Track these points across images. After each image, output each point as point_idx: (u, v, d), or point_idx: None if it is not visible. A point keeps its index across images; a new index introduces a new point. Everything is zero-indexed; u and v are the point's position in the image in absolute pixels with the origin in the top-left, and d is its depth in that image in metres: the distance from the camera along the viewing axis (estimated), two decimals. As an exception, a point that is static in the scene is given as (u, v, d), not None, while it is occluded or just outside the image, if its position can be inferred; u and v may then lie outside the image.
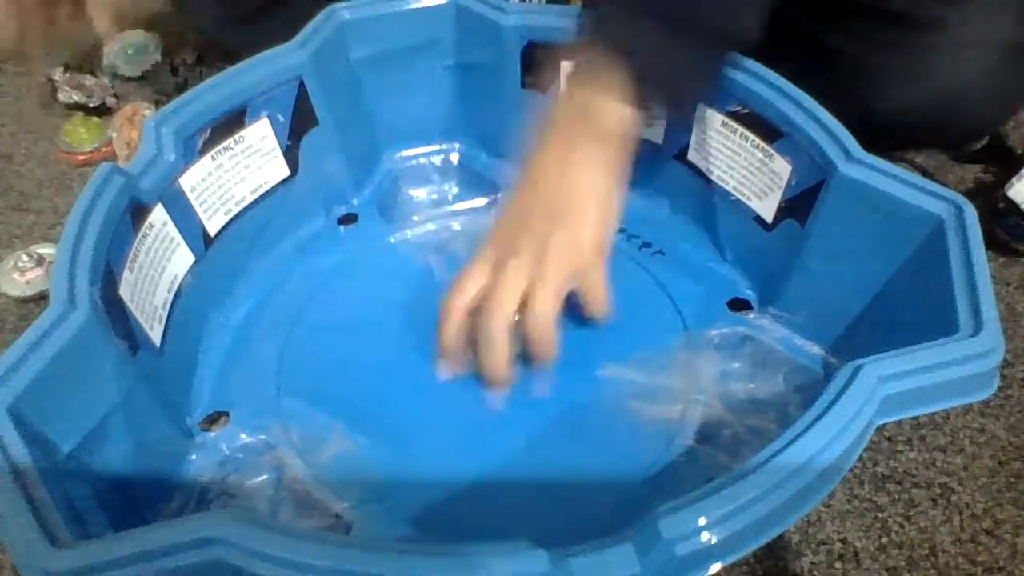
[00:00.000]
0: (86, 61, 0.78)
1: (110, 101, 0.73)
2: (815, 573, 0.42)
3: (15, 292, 0.57)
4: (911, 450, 0.47)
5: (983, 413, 0.49)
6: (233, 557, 0.26)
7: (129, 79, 0.77)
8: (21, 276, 0.57)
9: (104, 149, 0.69)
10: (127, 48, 0.76)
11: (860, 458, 0.46)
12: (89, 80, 0.74)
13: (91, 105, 0.72)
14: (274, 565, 0.26)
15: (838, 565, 0.43)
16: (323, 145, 0.53)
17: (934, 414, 0.49)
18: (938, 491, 0.46)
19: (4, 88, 0.79)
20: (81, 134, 0.69)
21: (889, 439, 0.48)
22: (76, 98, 0.73)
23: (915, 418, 0.49)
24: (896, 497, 0.45)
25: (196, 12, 0.74)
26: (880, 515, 0.45)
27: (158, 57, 0.77)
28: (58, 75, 0.74)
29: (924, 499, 0.45)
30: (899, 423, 0.48)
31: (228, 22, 0.71)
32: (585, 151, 0.44)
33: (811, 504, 0.29)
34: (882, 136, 0.42)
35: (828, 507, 0.45)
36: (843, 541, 0.43)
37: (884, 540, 0.44)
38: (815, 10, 0.56)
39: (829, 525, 0.44)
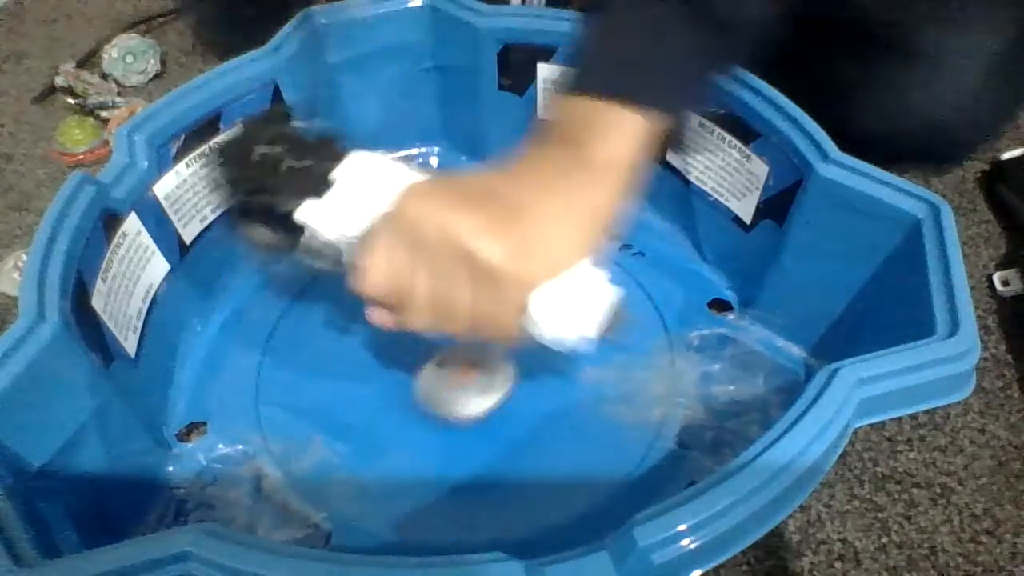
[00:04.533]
0: (87, 60, 0.77)
1: (110, 101, 0.72)
2: (815, 573, 0.42)
3: (15, 292, 0.56)
4: (911, 450, 0.47)
5: (983, 413, 0.49)
6: (207, 574, 0.26)
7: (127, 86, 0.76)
8: (21, 276, 0.56)
9: (100, 151, 0.68)
10: (126, 55, 0.75)
11: (860, 458, 0.47)
12: (89, 80, 0.73)
13: (90, 105, 0.71)
14: (247, 581, 0.26)
15: (838, 565, 0.42)
16: (300, 150, 0.53)
17: (934, 414, 0.49)
18: (938, 491, 0.46)
19: (4, 88, 0.78)
20: (76, 135, 0.68)
21: (889, 439, 0.48)
22: (75, 98, 0.72)
23: (915, 418, 0.49)
24: (896, 497, 0.45)
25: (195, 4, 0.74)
26: (880, 515, 0.44)
27: (157, 66, 0.76)
28: (59, 75, 0.73)
29: (924, 499, 0.45)
30: (899, 423, 0.48)
31: (226, 14, 0.71)
32: (580, 178, 0.35)
33: (789, 508, 0.29)
34: (866, 152, 0.42)
35: (828, 507, 0.45)
36: (843, 541, 0.43)
37: (884, 540, 0.43)
38: (804, 34, 0.56)
39: (829, 525, 0.44)
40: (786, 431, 0.29)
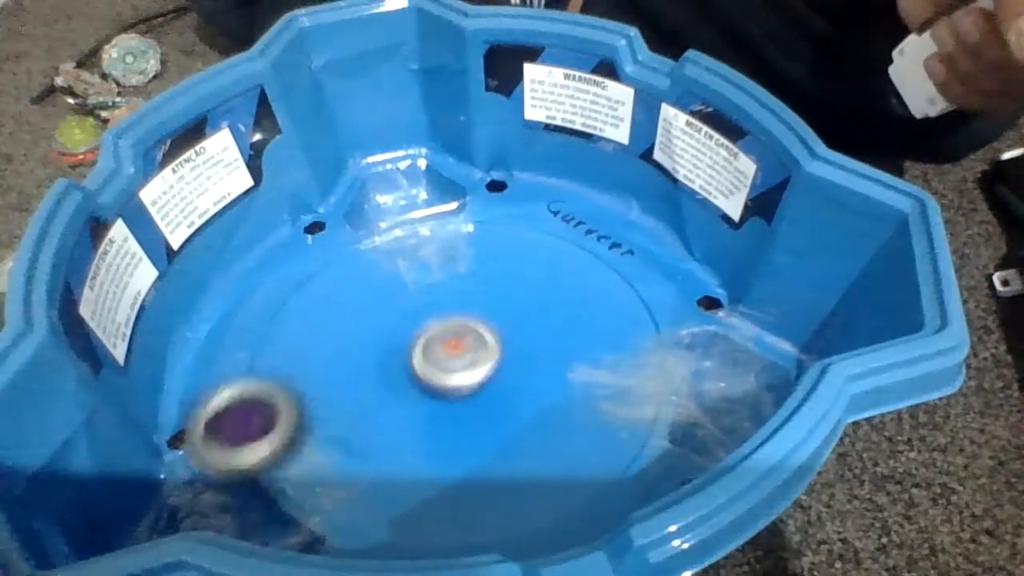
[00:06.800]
0: (87, 60, 0.77)
1: (110, 101, 0.72)
2: (815, 573, 0.42)
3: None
4: (911, 450, 0.48)
5: (983, 413, 0.49)
6: (201, 582, 0.26)
7: (127, 86, 0.76)
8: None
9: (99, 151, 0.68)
10: (126, 55, 0.75)
11: (860, 458, 0.47)
12: (89, 80, 0.73)
13: (90, 105, 0.71)
14: (242, 588, 0.25)
15: (838, 565, 0.43)
16: (287, 154, 0.52)
17: (934, 414, 0.49)
18: (938, 491, 0.46)
19: (4, 88, 0.78)
20: (75, 135, 0.68)
21: (889, 439, 0.48)
22: (75, 98, 0.71)
23: (915, 418, 0.49)
24: (896, 497, 0.45)
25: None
26: (880, 515, 0.45)
27: (157, 66, 0.76)
28: (59, 75, 0.73)
29: (924, 499, 0.45)
30: (899, 423, 0.49)
31: (227, 7, 0.71)
32: None
33: (783, 505, 0.29)
34: (881, 142, 0.42)
35: (828, 507, 0.45)
36: (843, 541, 0.43)
37: (884, 540, 0.44)
38: (830, 13, 0.56)
39: (829, 525, 0.44)
40: (779, 428, 0.29)
